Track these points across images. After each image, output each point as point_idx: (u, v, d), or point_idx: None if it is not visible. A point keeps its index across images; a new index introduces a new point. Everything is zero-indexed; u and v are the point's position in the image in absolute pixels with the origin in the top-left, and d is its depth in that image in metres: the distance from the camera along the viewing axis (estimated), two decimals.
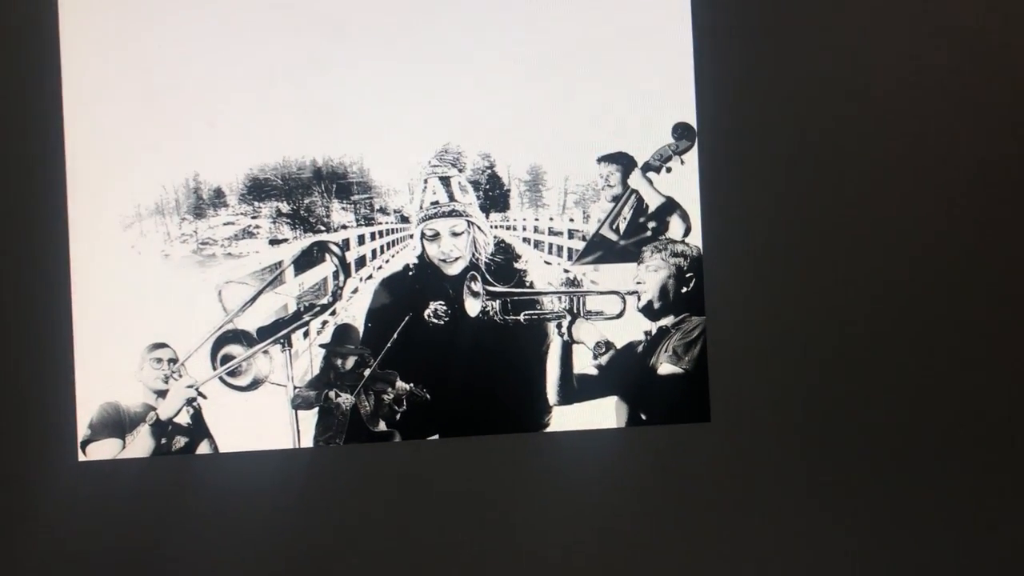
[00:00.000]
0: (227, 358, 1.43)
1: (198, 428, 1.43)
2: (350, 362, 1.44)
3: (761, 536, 1.49)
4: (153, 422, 1.42)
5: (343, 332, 1.44)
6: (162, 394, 1.42)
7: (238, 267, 1.43)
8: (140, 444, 1.42)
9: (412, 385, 1.44)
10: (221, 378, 1.43)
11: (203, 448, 1.43)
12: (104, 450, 1.41)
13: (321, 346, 1.44)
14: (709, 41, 1.48)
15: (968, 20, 1.51)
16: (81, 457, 1.41)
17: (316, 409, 1.44)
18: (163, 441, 1.42)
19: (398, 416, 1.44)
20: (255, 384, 1.44)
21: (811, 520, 1.50)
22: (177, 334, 1.42)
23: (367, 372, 1.43)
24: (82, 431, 1.41)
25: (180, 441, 1.43)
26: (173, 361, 1.42)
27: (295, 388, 1.42)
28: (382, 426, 1.44)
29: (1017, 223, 1.51)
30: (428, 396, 1.44)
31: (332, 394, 1.43)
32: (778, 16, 1.49)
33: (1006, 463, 1.52)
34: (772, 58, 1.49)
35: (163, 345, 1.42)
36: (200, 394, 1.43)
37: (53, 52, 1.40)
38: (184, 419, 1.43)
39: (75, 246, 1.40)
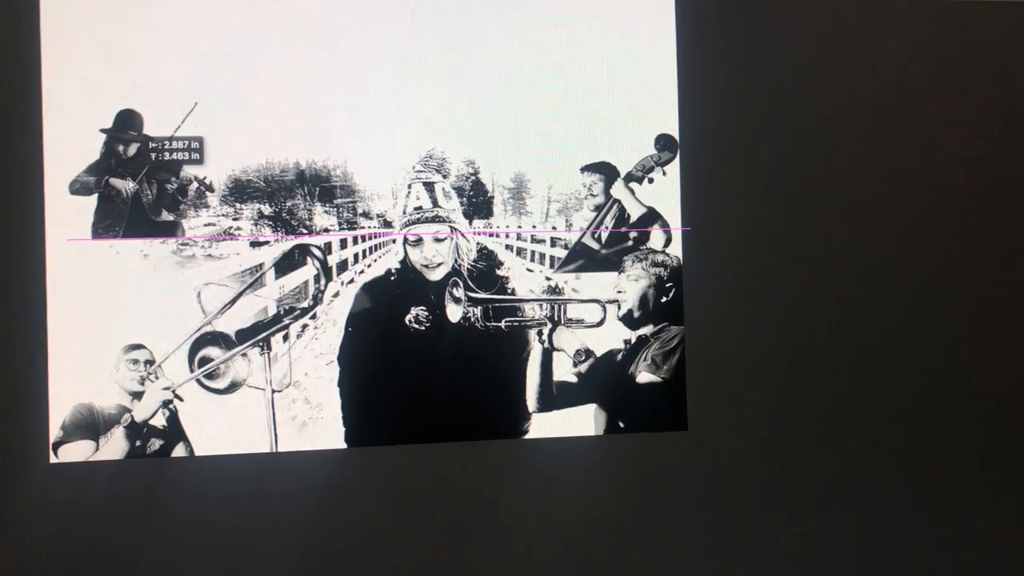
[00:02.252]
0: (205, 360, 1.41)
1: (174, 431, 1.41)
2: (132, 149, 1.38)
3: (736, 542, 1.51)
4: (128, 424, 1.40)
5: (126, 117, 1.39)
6: (138, 396, 1.40)
7: (218, 269, 1.42)
8: (114, 446, 1.40)
9: (196, 175, 1.39)
10: (198, 380, 1.41)
11: (179, 451, 1.41)
12: (76, 452, 1.39)
13: (102, 131, 1.38)
14: (692, 55, 1.51)
15: (942, 37, 1.55)
16: (52, 459, 1.38)
17: (95, 196, 1.38)
18: (138, 443, 1.40)
19: (181, 206, 1.40)
20: (233, 387, 1.42)
21: (785, 526, 1.52)
22: (154, 335, 1.40)
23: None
24: (54, 432, 1.38)
25: (155, 444, 1.41)
26: (150, 363, 1.40)
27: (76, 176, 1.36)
28: (165, 215, 1.40)
29: (993, 238, 1.56)
30: (211, 187, 1.38)
31: (112, 180, 1.37)
32: (761, 33, 1.52)
33: (980, 470, 1.55)
34: (754, 73, 1.52)
35: (140, 346, 1.40)
36: (176, 396, 1.41)
37: (33, 48, 1.38)
38: (160, 421, 1.41)
39: (52, 243, 1.38)
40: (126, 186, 1.37)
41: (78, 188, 1.38)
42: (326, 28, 1.44)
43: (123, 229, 1.39)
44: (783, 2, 1.52)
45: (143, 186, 1.38)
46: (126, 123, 1.39)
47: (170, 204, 1.40)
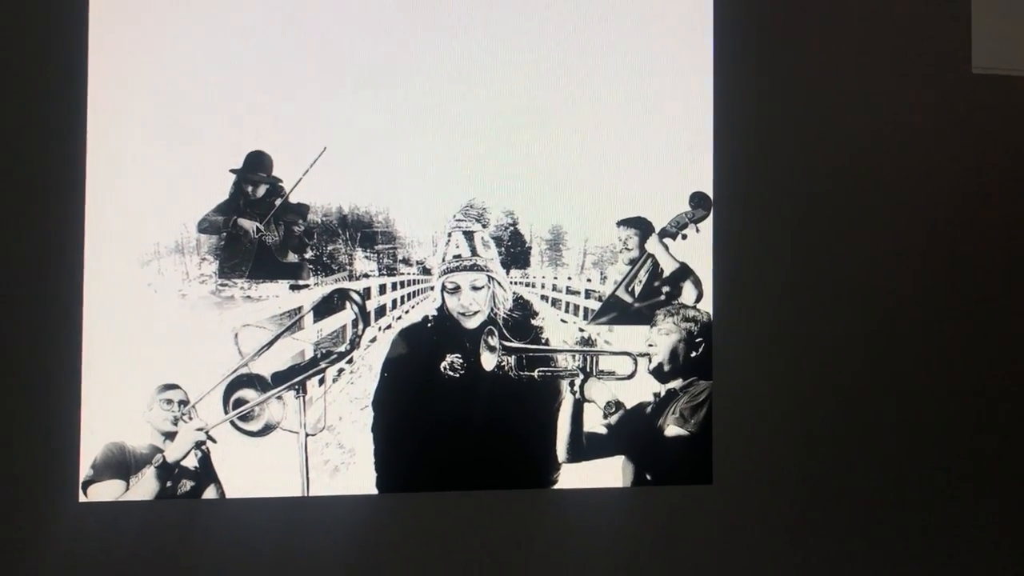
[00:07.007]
0: (240, 402, 1.41)
1: (205, 472, 1.40)
2: (261, 190, 1.39)
3: None
4: (159, 464, 1.39)
5: (255, 159, 1.40)
6: (170, 436, 1.39)
7: (256, 310, 1.42)
8: (144, 486, 1.38)
9: (324, 217, 1.40)
10: (232, 422, 1.41)
11: (210, 493, 1.40)
12: (107, 491, 1.37)
13: (232, 171, 1.39)
14: (728, 116, 1.54)
15: (972, 106, 1.60)
16: (82, 498, 1.37)
17: (223, 235, 1.39)
18: (168, 484, 1.39)
19: (308, 250, 1.42)
20: (266, 430, 1.42)
21: None
22: (189, 376, 1.40)
23: (278, 202, 1.38)
24: (85, 471, 1.37)
25: (186, 485, 1.40)
26: (184, 403, 1.39)
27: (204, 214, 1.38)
28: (291, 257, 1.41)
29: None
30: (337, 226, 1.39)
31: (241, 221, 1.39)
32: (794, 94, 1.56)
33: (1000, 534, 1.60)
34: (788, 134, 1.55)
35: (174, 386, 1.39)
36: (209, 438, 1.40)
37: (80, 85, 1.37)
38: (191, 462, 1.40)
39: (89, 281, 1.37)
40: (253, 227, 1.37)
41: (207, 227, 1.38)
42: (371, 77, 1.45)
43: (249, 269, 1.39)
44: (817, 65, 1.56)
45: (270, 227, 1.38)
46: (256, 164, 1.39)
47: (297, 246, 1.40)
